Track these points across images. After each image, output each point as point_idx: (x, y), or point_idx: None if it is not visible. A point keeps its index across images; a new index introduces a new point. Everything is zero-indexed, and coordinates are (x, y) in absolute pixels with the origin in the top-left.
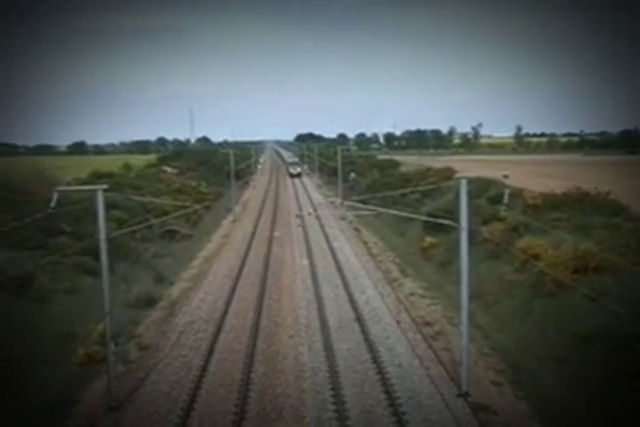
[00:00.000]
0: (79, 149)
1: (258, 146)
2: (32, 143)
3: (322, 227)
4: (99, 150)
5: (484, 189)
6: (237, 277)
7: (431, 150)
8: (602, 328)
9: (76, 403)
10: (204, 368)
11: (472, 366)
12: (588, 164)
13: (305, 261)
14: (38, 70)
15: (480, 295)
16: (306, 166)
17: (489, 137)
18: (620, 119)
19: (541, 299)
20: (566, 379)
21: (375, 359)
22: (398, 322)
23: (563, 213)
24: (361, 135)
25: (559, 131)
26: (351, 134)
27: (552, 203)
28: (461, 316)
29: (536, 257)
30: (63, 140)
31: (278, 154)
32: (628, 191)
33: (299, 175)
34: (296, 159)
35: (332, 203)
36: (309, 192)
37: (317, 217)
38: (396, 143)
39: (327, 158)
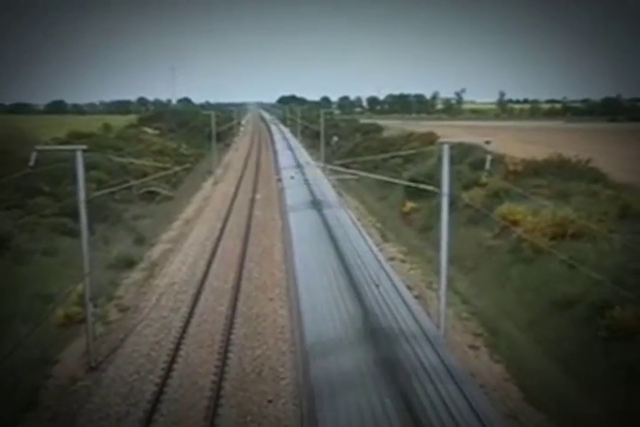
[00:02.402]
0: (58, 108)
1: (240, 108)
2: (8, 102)
3: None
4: (78, 110)
5: (465, 155)
6: (218, 240)
7: (414, 115)
8: (578, 294)
9: (56, 363)
10: (184, 330)
11: (450, 330)
12: (570, 130)
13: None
14: (15, 27)
15: (459, 260)
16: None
17: (472, 103)
18: (602, 87)
19: (520, 265)
20: (542, 343)
21: None
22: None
23: (543, 179)
24: (344, 99)
25: (542, 97)
26: (334, 98)
27: (533, 169)
28: (440, 280)
29: (515, 223)
30: (41, 99)
31: (261, 117)
32: (608, 158)
33: None
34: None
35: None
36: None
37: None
38: (379, 107)
39: (310, 121)
